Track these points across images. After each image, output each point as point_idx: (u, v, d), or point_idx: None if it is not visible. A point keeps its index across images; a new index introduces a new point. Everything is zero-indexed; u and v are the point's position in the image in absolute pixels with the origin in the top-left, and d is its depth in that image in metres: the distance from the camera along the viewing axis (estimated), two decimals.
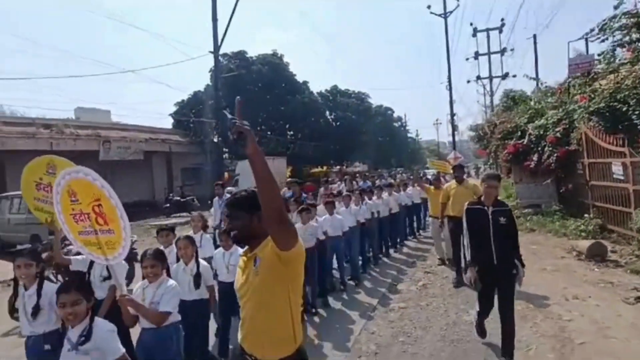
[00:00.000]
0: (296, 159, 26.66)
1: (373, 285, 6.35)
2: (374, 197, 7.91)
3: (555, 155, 9.79)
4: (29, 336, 2.80)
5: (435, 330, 4.46)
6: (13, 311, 5.10)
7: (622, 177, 7.42)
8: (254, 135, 1.51)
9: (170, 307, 2.78)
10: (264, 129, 27.87)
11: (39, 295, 2.77)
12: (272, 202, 1.52)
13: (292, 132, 30.14)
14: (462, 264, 4.29)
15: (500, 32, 25.94)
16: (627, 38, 9.07)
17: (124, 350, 2.24)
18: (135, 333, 2.95)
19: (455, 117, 27.90)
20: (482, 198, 3.69)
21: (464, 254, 3.80)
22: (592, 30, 10.12)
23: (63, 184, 2.64)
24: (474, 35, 26.60)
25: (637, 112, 7.59)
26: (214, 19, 15.89)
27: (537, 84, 15.44)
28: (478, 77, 27.45)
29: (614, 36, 9.36)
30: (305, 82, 30.30)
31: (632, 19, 8.78)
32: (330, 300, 5.59)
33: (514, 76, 25.59)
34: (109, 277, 3.39)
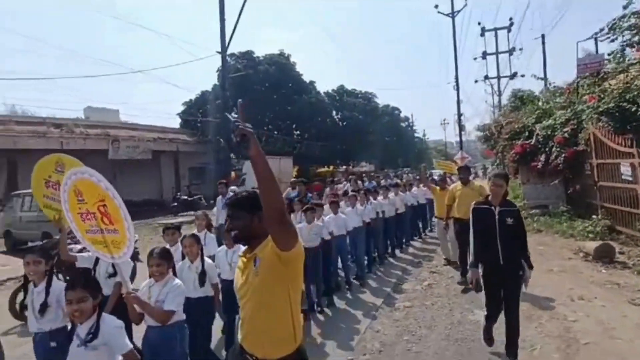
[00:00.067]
0: (303, 158, 26.73)
1: (378, 285, 6.38)
2: (380, 197, 7.93)
3: (563, 155, 9.73)
4: (36, 333, 2.84)
5: (440, 329, 4.48)
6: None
7: (630, 178, 7.36)
8: (256, 137, 1.54)
9: (175, 306, 2.80)
10: (271, 128, 28.00)
11: (47, 292, 2.82)
12: (273, 203, 1.55)
13: (298, 132, 30.23)
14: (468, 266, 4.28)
15: (509, 31, 25.74)
16: (636, 38, 9.01)
17: (131, 345, 2.27)
18: (138, 330, 2.98)
19: (462, 117, 27.83)
20: (490, 198, 3.63)
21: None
22: (601, 30, 10.08)
23: (69, 183, 2.69)
24: (482, 34, 26.41)
25: None
26: (222, 20, 15.99)
27: (545, 84, 15.33)
28: (486, 77, 27.26)
29: (623, 36, 9.30)
30: (312, 82, 30.39)
31: None
32: (335, 299, 5.63)
33: (522, 76, 25.32)
34: (114, 274, 3.44)
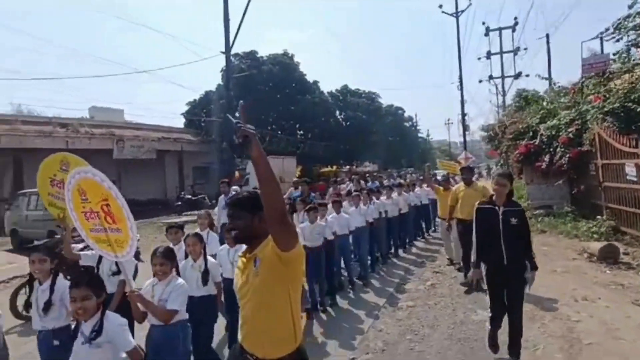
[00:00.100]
0: (306, 158, 26.77)
1: (381, 285, 6.39)
2: (383, 197, 7.94)
3: (568, 156, 9.69)
4: (40, 331, 2.87)
5: (443, 328, 4.49)
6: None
7: (635, 179, 7.33)
8: (257, 139, 1.55)
9: (177, 305, 2.80)
10: (275, 128, 28.06)
11: (51, 290, 2.85)
12: (274, 203, 1.57)
13: (302, 132, 30.27)
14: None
15: (514, 31, 25.66)
16: None
17: (135, 343, 2.30)
18: (142, 329, 3.01)
19: (466, 117, 27.69)
20: (494, 197, 3.60)
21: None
22: (606, 29, 10.02)
23: (73, 182, 2.72)
24: (486, 34, 26.34)
25: None
26: (226, 20, 16.05)
27: (550, 84, 15.26)
28: (490, 77, 27.15)
29: (628, 36, 9.24)
30: (315, 82, 30.42)
31: None
32: (338, 299, 5.64)
33: (527, 76, 25.17)
34: (117, 272, 3.46)
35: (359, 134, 31.27)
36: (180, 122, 28.35)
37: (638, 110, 7.80)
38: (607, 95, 8.89)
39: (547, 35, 23.76)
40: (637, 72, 8.36)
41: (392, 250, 8.34)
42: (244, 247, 1.92)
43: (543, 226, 9.69)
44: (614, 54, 10.06)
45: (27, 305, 3.06)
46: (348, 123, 32.19)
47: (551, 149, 10.33)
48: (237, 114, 1.63)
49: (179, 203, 19.24)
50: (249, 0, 15.70)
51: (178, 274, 3.06)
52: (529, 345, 3.83)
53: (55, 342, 2.79)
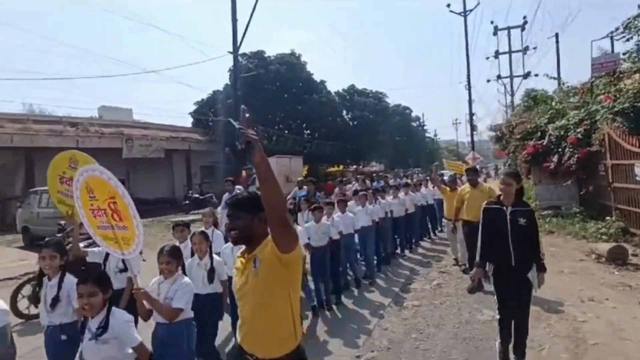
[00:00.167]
0: (313, 158, 26.79)
1: (387, 285, 6.41)
2: (390, 197, 7.95)
3: (576, 156, 9.62)
4: (47, 326, 2.92)
5: (448, 328, 4.51)
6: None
7: None
8: (260, 145, 1.57)
9: (182, 304, 2.83)
10: (282, 128, 28.11)
11: (59, 286, 2.89)
12: (276, 206, 1.60)
13: (309, 131, 30.28)
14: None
15: (522, 30, 25.43)
16: None
17: (140, 339, 2.33)
18: (149, 326, 3.03)
19: (474, 117, 27.50)
20: (501, 197, 3.53)
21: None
22: (616, 28, 9.92)
23: (81, 180, 2.76)
24: (495, 33, 26.12)
25: None
26: (234, 20, 16.13)
27: (559, 84, 15.12)
28: (498, 77, 26.93)
29: (638, 35, 9.14)
30: (322, 82, 30.41)
31: None
32: (344, 298, 5.67)
33: (536, 75, 24.92)
34: (124, 270, 3.51)
35: (365, 134, 31.22)
36: (188, 122, 28.56)
37: None
38: (617, 95, 8.80)
39: (557, 35, 23.49)
40: None
41: (399, 250, 8.35)
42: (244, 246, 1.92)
43: (551, 227, 9.63)
44: (624, 54, 9.96)
45: (36, 300, 3.12)
46: (355, 123, 32.15)
47: (560, 149, 10.25)
48: (232, 120, 1.62)
49: (187, 202, 19.38)
50: (256, 1, 15.79)
51: (184, 272, 3.08)
52: (535, 345, 3.83)
53: (63, 337, 2.84)
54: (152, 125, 23.97)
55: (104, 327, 2.24)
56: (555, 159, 10.27)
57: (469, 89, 26.49)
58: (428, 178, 11.86)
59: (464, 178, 10.13)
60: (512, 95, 26.27)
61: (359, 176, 13.46)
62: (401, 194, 8.36)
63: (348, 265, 6.31)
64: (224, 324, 4.01)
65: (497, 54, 26.32)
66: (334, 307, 5.37)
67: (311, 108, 27.97)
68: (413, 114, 46.20)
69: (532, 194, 12.07)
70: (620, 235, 7.86)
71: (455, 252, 7.43)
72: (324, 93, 29.63)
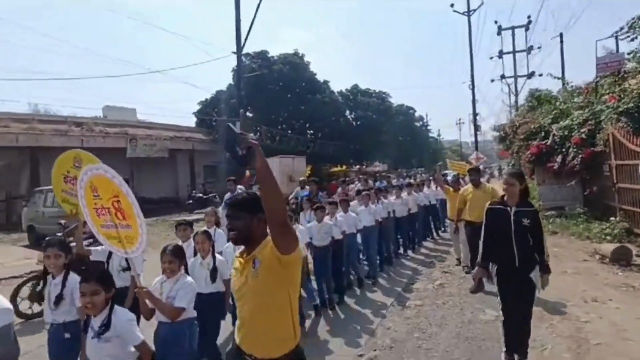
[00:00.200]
0: (316, 158, 26.81)
1: (390, 284, 6.42)
2: (392, 197, 7.95)
3: (580, 156, 9.58)
4: (51, 324, 2.95)
5: (451, 327, 4.52)
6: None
7: None
8: (261, 149, 1.59)
9: (185, 303, 2.84)
10: (285, 127, 28.15)
11: (63, 285, 2.91)
12: (276, 209, 1.62)
13: (312, 131, 30.29)
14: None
15: (527, 29, 25.31)
16: None
17: (143, 337, 2.35)
18: (151, 325, 3.05)
19: (478, 117, 27.44)
20: (505, 198, 3.49)
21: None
22: (621, 28, 9.87)
23: (86, 179, 2.78)
24: (499, 33, 25.99)
25: None
26: (237, 20, 16.18)
27: (563, 84, 15.05)
28: (502, 76, 26.82)
29: None
30: (325, 82, 30.41)
31: None
32: (346, 297, 5.69)
33: (540, 75, 24.80)
34: (127, 268, 3.52)
35: (369, 134, 31.19)
36: (191, 122, 28.65)
37: None
38: (622, 95, 8.76)
39: (561, 35, 23.35)
40: None
41: (401, 250, 8.35)
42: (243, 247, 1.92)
43: (555, 227, 9.60)
44: (629, 54, 9.90)
45: (40, 297, 3.14)
46: (358, 123, 32.13)
47: (564, 150, 10.22)
48: (232, 125, 1.63)
49: (191, 201, 19.46)
50: (260, 1, 15.82)
51: (187, 271, 3.09)
52: (537, 345, 3.83)
53: (67, 335, 2.87)
54: (156, 125, 24.08)
55: (106, 325, 2.25)
56: (559, 159, 10.24)
57: (473, 89, 26.41)
58: (431, 178, 11.87)
59: (467, 178, 10.16)
60: (516, 95, 26.16)
61: (361, 176, 13.46)
62: (404, 194, 8.37)
63: (350, 264, 6.32)
64: (226, 323, 4.03)
65: (501, 54, 26.20)
66: (337, 306, 5.39)
67: (314, 108, 27.97)
68: (416, 114, 46.09)
69: (535, 194, 12.02)
70: (625, 235, 7.82)
71: (458, 253, 7.42)
72: (327, 93, 29.63)
